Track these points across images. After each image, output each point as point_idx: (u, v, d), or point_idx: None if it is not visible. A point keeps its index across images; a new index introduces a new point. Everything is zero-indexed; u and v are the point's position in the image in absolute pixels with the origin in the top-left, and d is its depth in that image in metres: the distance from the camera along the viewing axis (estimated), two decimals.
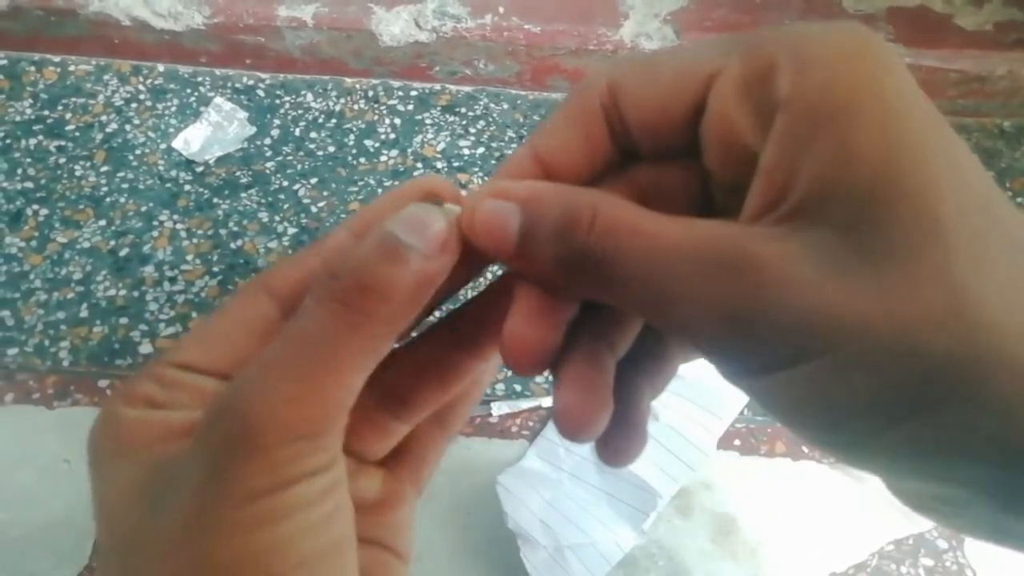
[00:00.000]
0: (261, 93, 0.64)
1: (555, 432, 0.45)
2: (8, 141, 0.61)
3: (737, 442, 0.51)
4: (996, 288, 0.15)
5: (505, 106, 0.64)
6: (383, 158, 0.61)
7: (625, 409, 0.21)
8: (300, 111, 0.63)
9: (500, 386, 0.52)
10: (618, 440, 0.21)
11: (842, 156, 0.16)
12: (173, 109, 0.63)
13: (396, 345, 0.20)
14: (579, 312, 0.20)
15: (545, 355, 0.20)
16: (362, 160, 0.61)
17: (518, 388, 0.51)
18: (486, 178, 0.61)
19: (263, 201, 0.59)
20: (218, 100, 0.63)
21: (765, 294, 0.16)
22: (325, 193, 0.59)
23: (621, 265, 0.18)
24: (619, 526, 0.45)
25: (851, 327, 0.15)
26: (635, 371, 0.22)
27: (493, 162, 0.61)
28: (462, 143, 0.62)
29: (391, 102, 0.64)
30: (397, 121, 0.63)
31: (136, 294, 0.55)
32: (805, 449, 0.51)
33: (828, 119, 0.16)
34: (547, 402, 0.51)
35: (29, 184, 0.59)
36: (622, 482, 0.45)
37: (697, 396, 0.48)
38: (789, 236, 0.16)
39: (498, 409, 0.51)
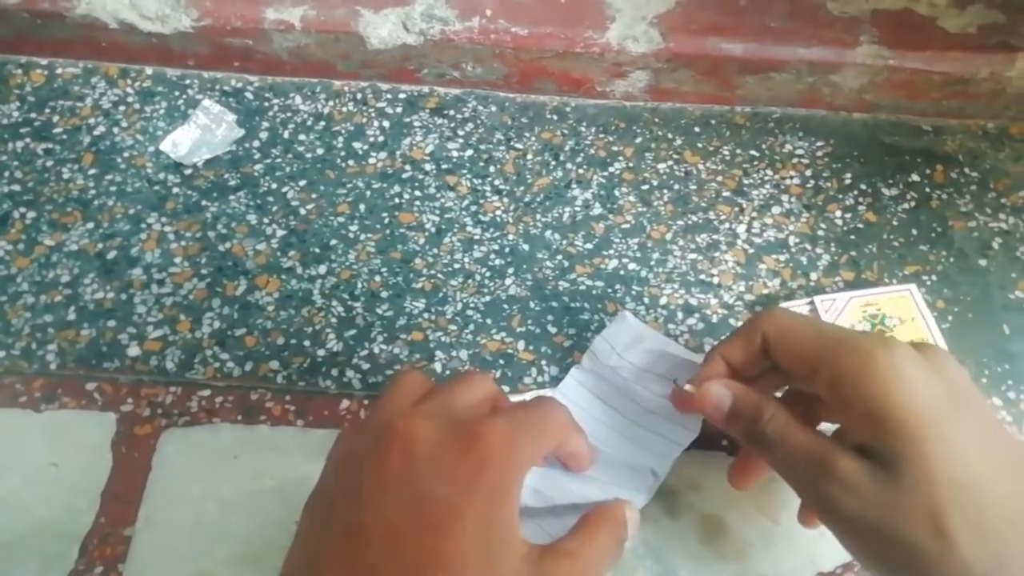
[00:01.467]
0: (249, 96, 0.64)
1: None
2: None
3: (725, 442, 0.51)
4: (970, 526, 0.30)
5: (493, 108, 0.65)
6: (372, 160, 0.61)
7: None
8: (289, 114, 0.63)
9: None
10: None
11: (879, 425, 0.32)
12: (161, 112, 0.63)
13: None
14: None
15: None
16: (351, 163, 0.61)
17: (507, 387, 0.52)
18: (474, 180, 0.61)
19: (251, 203, 0.59)
20: (206, 103, 0.63)
21: (833, 487, 0.33)
22: (314, 195, 0.59)
23: (777, 445, 0.36)
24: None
25: (871, 519, 0.32)
26: None
27: (481, 164, 0.62)
28: (450, 145, 0.62)
29: (379, 105, 0.64)
30: (386, 124, 0.63)
31: (124, 297, 0.55)
32: None
33: (873, 405, 0.33)
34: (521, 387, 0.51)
35: (16, 187, 0.59)
36: (611, 467, 0.45)
37: (669, 371, 0.47)
38: (850, 457, 0.33)
39: None
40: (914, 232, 0.60)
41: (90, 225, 0.58)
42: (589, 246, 0.58)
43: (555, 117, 0.65)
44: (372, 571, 0.29)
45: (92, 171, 0.60)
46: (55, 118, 0.62)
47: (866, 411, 0.33)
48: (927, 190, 0.62)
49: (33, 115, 0.62)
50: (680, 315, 0.55)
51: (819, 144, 0.64)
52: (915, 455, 0.31)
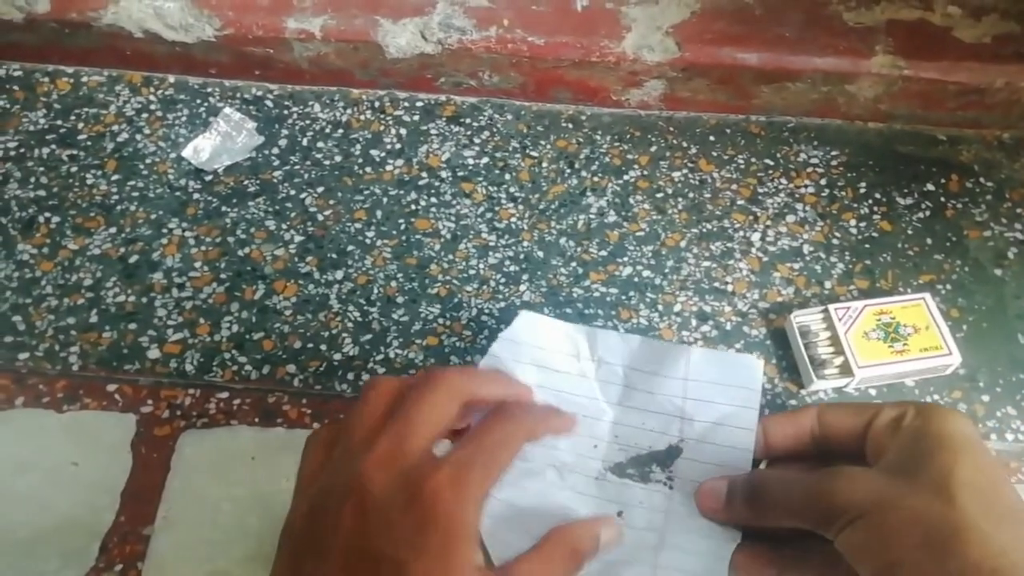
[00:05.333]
0: (269, 104, 0.65)
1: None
2: (22, 150, 0.62)
3: None
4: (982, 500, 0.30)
5: (509, 117, 0.65)
6: (389, 167, 0.62)
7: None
8: (307, 121, 0.64)
9: None
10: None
11: (911, 461, 0.33)
12: (183, 119, 0.64)
13: None
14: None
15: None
16: (368, 170, 0.62)
17: None
18: (490, 187, 0.61)
19: (270, 209, 0.60)
20: (227, 110, 0.64)
21: (841, 481, 0.33)
22: (331, 202, 0.60)
23: (777, 489, 0.36)
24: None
25: (884, 499, 0.32)
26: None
27: (497, 172, 0.62)
28: (467, 153, 0.63)
29: (397, 113, 0.65)
30: (403, 131, 0.64)
31: (145, 300, 0.56)
32: None
33: (921, 446, 0.33)
34: None
35: (41, 192, 0.60)
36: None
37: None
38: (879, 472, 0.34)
39: None
40: (929, 241, 0.60)
41: (113, 230, 0.59)
42: (603, 253, 0.59)
43: (570, 125, 0.65)
44: None
45: (115, 177, 0.61)
46: (80, 125, 0.64)
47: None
48: (942, 199, 0.62)
49: (59, 122, 0.64)
50: (694, 322, 0.56)
51: (834, 153, 0.64)
52: (935, 464, 0.32)
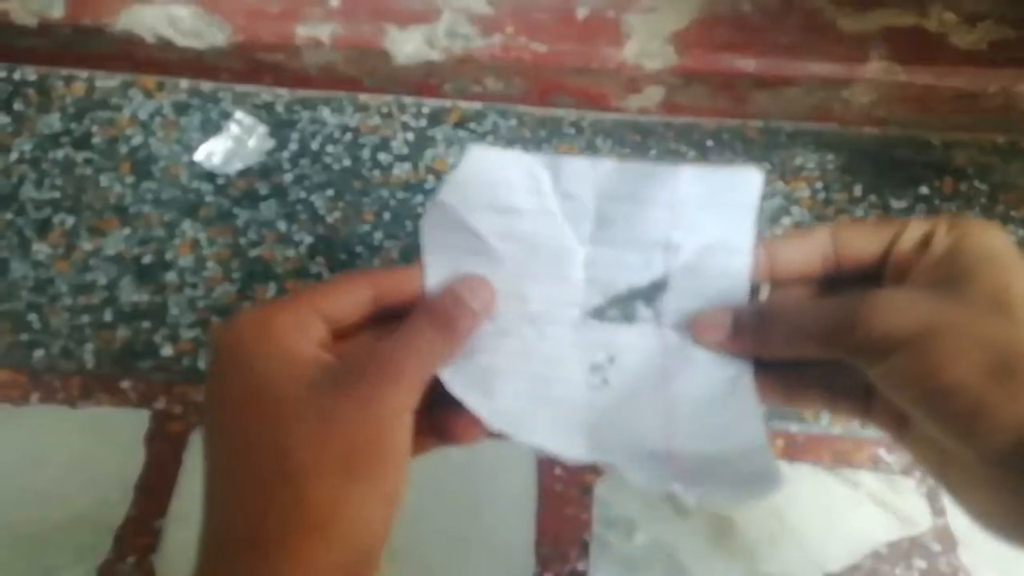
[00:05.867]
0: (280, 109, 0.67)
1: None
2: (37, 153, 0.64)
3: None
4: None
5: (513, 122, 0.67)
6: (396, 171, 0.64)
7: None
8: (317, 126, 0.66)
9: None
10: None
11: (954, 265, 0.30)
12: (195, 123, 0.65)
13: None
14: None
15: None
16: (376, 173, 0.63)
17: None
18: None
19: (281, 212, 0.61)
20: (239, 115, 0.65)
21: (879, 306, 0.29)
22: (340, 204, 0.62)
23: (798, 315, 0.32)
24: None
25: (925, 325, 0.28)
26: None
27: None
28: None
29: (404, 118, 0.67)
30: (410, 136, 0.66)
31: (158, 299, 0.57)
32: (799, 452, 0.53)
33: (955, 253, 0.30)
34: None
35: (57, 194, 0.62)
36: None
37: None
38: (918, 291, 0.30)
39: None
40: None
41: (127, 231, 0.60)
42: None
43: (572, 131, 0.66)
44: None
45: (129, 179, 0.63)
46: (94, 128, 0.65)
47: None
48: (936, 202, 0.63)
49: (73, 126, 0.65)
50: None
51: (830, 157, 0.65)
52: (987, 273, 0.29)
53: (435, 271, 0.35)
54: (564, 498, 0.52)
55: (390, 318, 0.34)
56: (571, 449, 0.33)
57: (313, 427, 0.28)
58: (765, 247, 0.35)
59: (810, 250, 0.34)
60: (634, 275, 0.36)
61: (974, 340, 0.27)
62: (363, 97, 0.68)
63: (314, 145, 0.65)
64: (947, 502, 0.52)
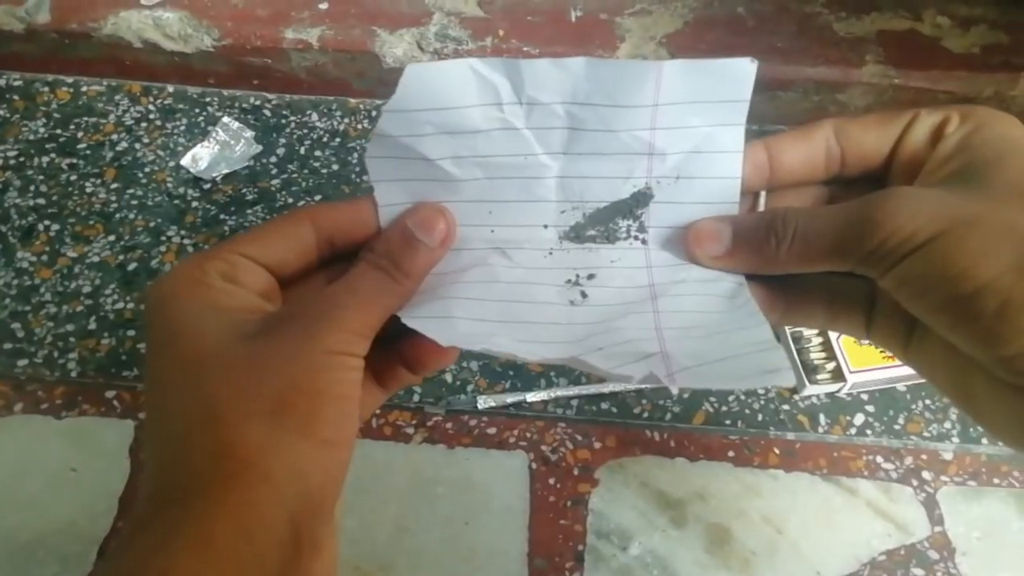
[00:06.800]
0: (267, 113, 0.66)
1: None
2: (22, 159, 0.63)
3: (731, 453, 0.52)
4: None
5: None
6: None
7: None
8: (305, 130, 0.65)
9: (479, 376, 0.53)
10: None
11: (972, 155, 0.27)
12: (182, 128, 0.65)
13: None
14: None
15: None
16: (365, 178, 0.63)
17: (499, 375, 0.52)
18: None
19: (268, 217, 0.60)
20: (225, 120, 0.64)
21: (893, 201, 0.26)
22: None
23: (807, 222, 0.28)
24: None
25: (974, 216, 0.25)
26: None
27: None
28: None
29: None
30: None
31: (144, 307, 0.56)
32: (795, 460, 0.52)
33: (971, 139, 0.28)
34: (531, 396, 0.52)
35: (41, 200, 0.61)
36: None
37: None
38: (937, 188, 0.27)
39: (483, 402, 0.52)
40: None
41: (112, 238, 0.59)
42: None
43: None
44: None
45: (114, 185, 0.62)
46: (79, 134, 0.64)
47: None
48: None
49: (58, 131, 0.64)
50: None
51: None
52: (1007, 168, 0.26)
53: (388, 205, 0.31)
54: (558, 509, 0.51)
55: (348, 259, 0.31)
56: (550, 353, 0.29)
57: (240, 373, 0.26)
58: (765, 145, 0.31)
59: (812, 150, 0.30)
60: (614, 187, 0.32)
61: (1002, 235, 0.24)
62: (352, 101, 0.67)
63: (302, 149, 0.64)
64: (944, 510, 0.51)
